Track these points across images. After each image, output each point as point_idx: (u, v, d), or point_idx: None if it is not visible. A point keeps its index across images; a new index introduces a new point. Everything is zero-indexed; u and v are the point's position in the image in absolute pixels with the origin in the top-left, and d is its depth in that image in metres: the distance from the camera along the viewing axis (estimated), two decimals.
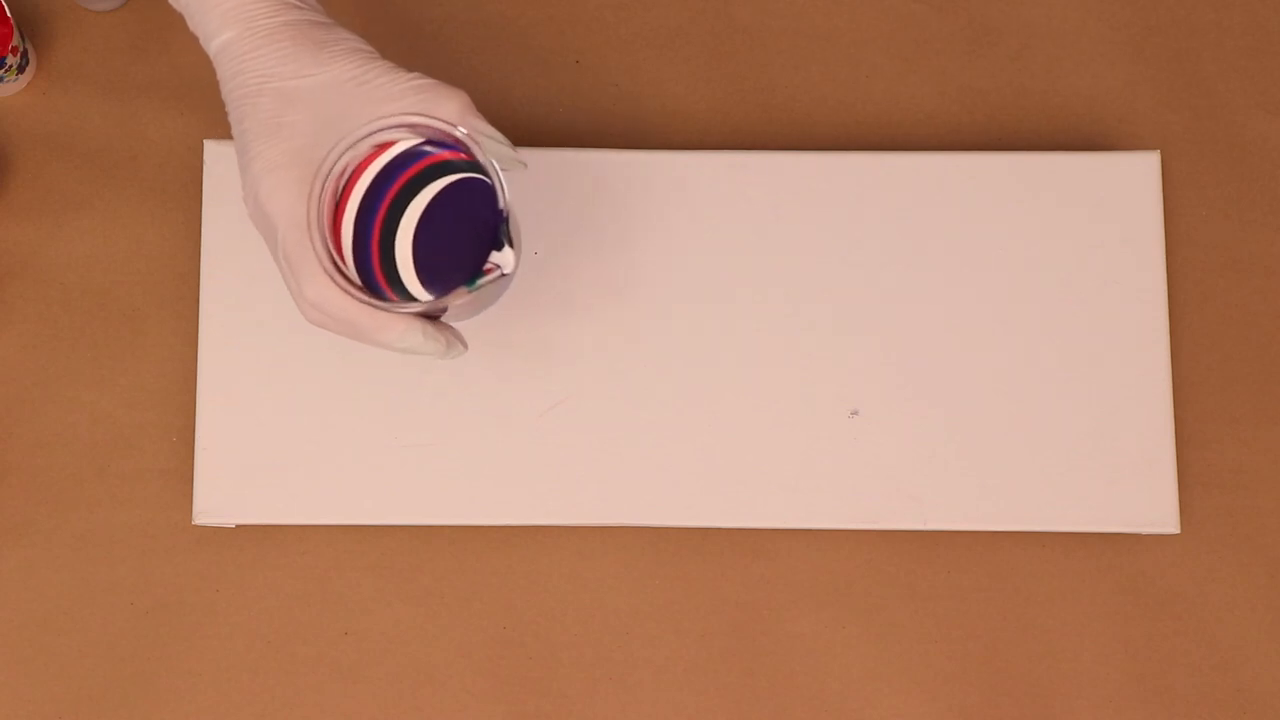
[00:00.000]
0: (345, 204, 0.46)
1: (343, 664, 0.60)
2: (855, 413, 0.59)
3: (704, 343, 0.59)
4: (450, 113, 0.46)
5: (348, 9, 0.64)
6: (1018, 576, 0.61)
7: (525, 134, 0.63)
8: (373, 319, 0.45)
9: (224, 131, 0.62)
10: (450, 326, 0.49)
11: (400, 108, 0.46)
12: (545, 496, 0.58)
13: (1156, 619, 0.61)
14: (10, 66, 0.60)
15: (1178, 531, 0.58)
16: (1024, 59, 0.64)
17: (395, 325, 0.46)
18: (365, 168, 0.46)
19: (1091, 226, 0.60)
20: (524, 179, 0.59)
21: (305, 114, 0.46)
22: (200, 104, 0.63)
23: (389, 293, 0.46)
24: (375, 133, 0.45)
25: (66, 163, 0.62)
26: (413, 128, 0.45)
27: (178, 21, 0.63)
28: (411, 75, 0.47)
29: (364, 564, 0.61)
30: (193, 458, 0.59)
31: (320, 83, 0.46)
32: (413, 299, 0.46)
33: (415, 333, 0.46)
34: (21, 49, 0.60)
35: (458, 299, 0.45)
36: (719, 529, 0.61)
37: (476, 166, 0.46)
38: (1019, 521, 0.58)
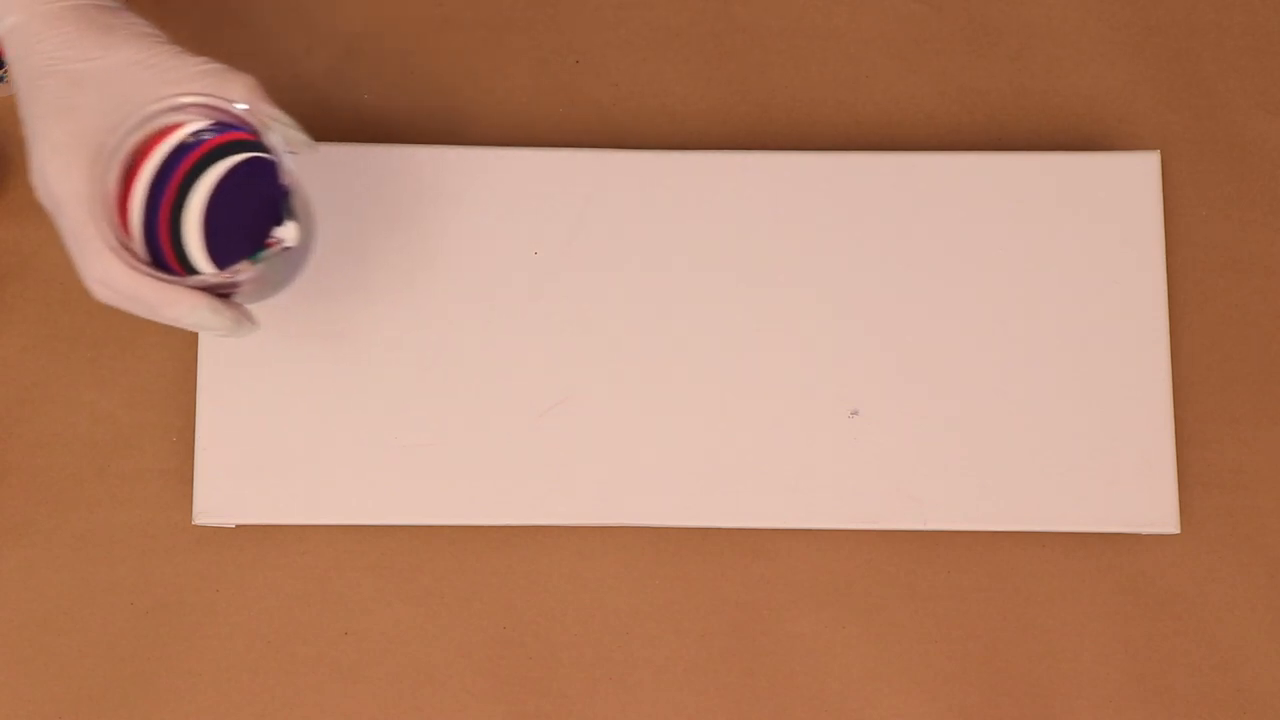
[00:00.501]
0: (133, 183, 0.48)
1: (343, 664, 0.60)
2: (855, 413, 0.59)
3: (704, 342, 0.59)
4: (238, 95, 0.47)
5: (348, 9, 0.64)
6: (1018, 576, 0.61)
7: (525, 134, 0.63)
8: (159, 294, 0.46)
9: None
10: (239, 305, 0.50)
11: (188, 90, 0.47)
12: (545, 496, 0.58)
13: (1156, 619, 0.61)
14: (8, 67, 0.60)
15: (1178, 531, 0.58)
16: (1024, 59, 0.64)
17: (182, 300, 0.47)
18: (154, 147, 0.48)
19: (1091, 226, 0.60)
20: (524, 178, 0.59)
21: (92, 96, 0.46)
22: None
23: (178, 269, 0.48)
24: (161, 112, 0.46)
25: None
26: (200, 108, 0.47)
27: (178, 21, 0.63)
28: (199, 59, 0.48)
29: (364, 564, 0.61)
30: (193, 458, 0.59)
31: (106, 66, 0.47)
32: (200, 274, 0.47)
33: (202, 308, 0.47)
34: None
35: (244, 273, 0.47)
36: (719, 529, 0.61)
37: (263, 146, 0.47)
38: (1019, 521, 0.58)
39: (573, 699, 0.60)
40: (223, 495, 0.58)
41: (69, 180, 0.46)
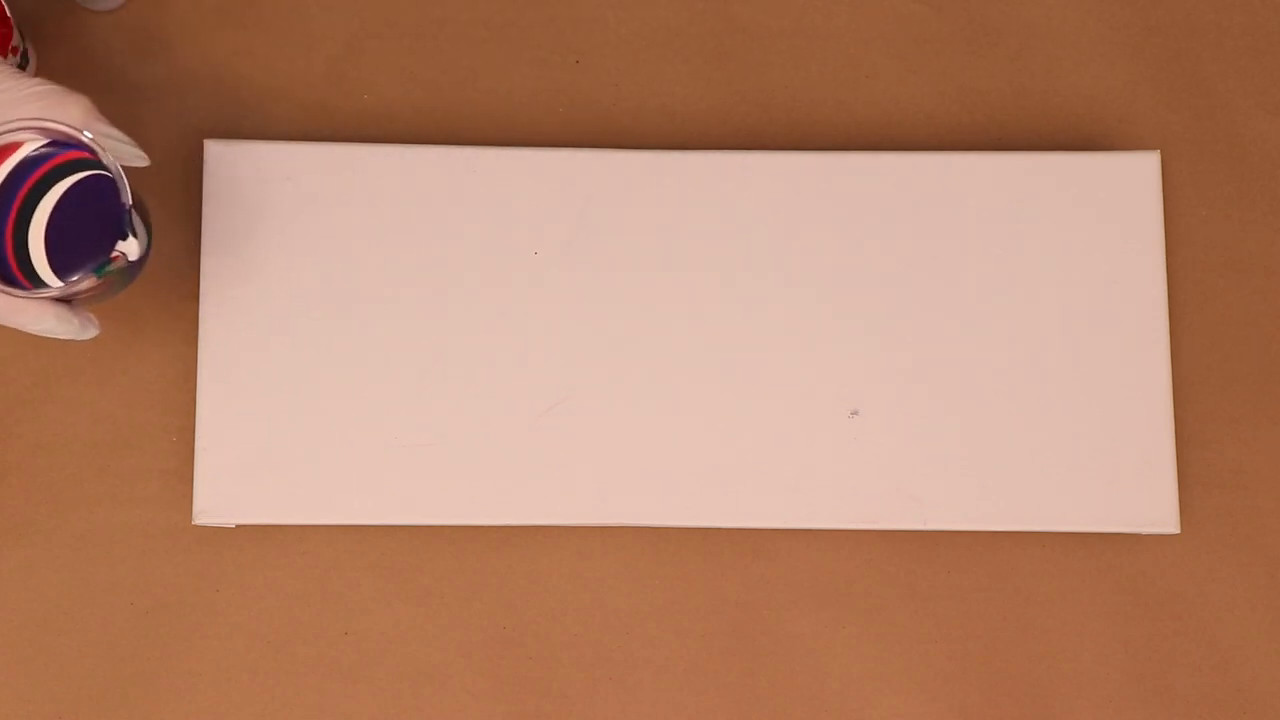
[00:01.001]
0: None
1: (343, 664, 0.60)
2: (855, 413, 0.59)
3: (704, 342, 0.59)
4: (74, 117, 0.49)
5: (347, 9, 0.64)
6: (1018, 576, 0.61)
7: (525, 134, 0.63)
8: (7, 304, 0.49)
9: (224, 131, 0.62)
10: (84, 311, 0.52)
11: (24, 113, 0.49)
12: (545, 496, 0.58)
13: (1156, 619, 0.61)
14: None
15: (1178, 531, 0.58)
16: (1024, 59, 0.64)
17: (29, 309, 0.50)
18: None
19: (1091, 226, 0.60)
20: (524, 178, 0.59)
21: None
22: (200, 104, 0.63)
23: (24, 282, 0.50)
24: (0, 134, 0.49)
25: None
26: (38, 130, 0.49)
27: (178, 21, 0.63)
28: (34, 81, 0.50)
29: (364, 564, 0.61)
30: (193, 458, 0.59)
31: None
32: (46, 286, 0.50)
33: (48, 317, 0.50)
34: (21, 49, 0.60)
35: (87, 285, 0.49)
36: (719, 529, 0.61)
37: (102, 164, 0.50)
38: (1019, 521, 0.58)
39: (573, 699, 0.60)
40: (223, 495, 0.58)
41: None
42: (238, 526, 0.60)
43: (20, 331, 0.61)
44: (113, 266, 0.49)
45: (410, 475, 0.58)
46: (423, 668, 0.60)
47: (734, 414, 0.58)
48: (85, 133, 0.49)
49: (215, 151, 0.59)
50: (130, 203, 0.49)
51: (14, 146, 0.50)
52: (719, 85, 0.64)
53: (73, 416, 0.61)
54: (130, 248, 0.50)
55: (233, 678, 0.60)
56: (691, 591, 0.61)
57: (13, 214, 0.50)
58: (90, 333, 0.52)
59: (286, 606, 0.60)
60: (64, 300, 0.51)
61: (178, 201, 0.62)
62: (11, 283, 0.50)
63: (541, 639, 0.60)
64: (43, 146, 0.50)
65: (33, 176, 0.51)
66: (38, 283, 0.50)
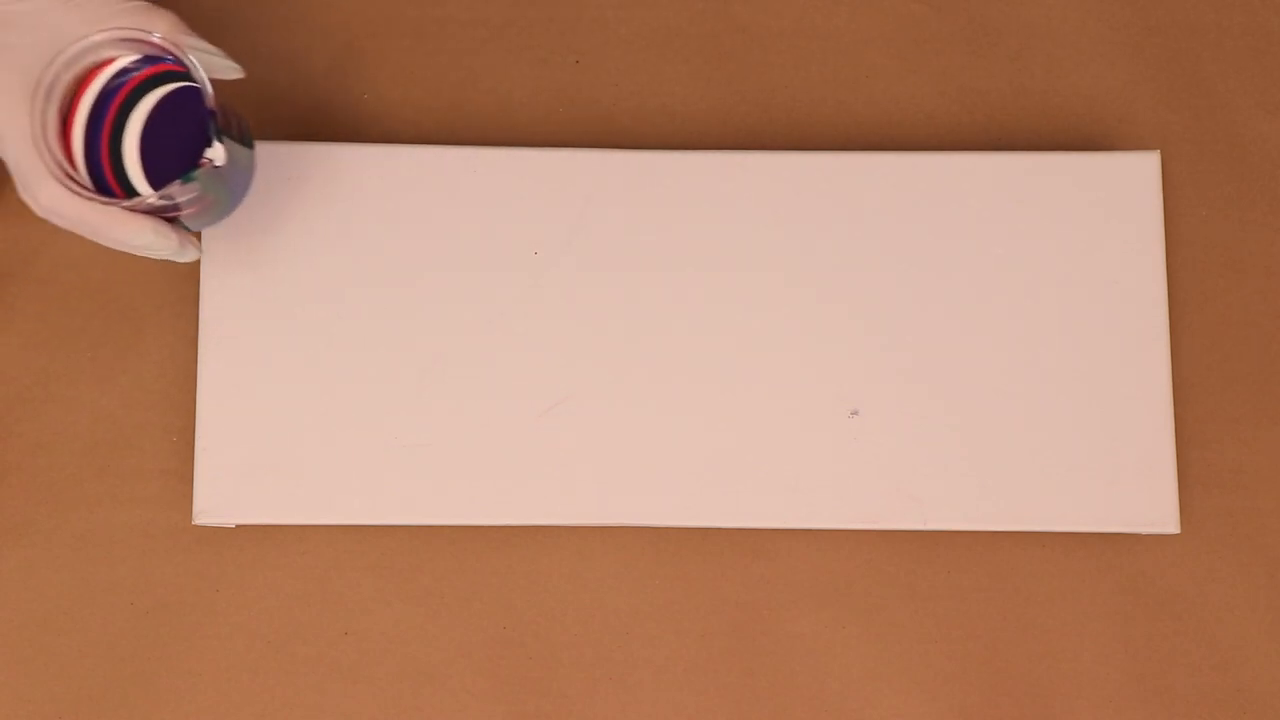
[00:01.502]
0: (74, 115, 0.51)
1: (343, 664, 0.60)
2: (855, 413, 0.59)
3: (704, 342, 0.59)
4: (162, 29, 0.50)
5: (348, 9, 0.64)
6: (1018, 576, 0.61)
7: (525, 134, 0.63)
8: (104, 217, 0.50)
9: None
10: (184, 229, 0.53)
11: (113, 25, 0.50)
12: (545, 496, 0.58)
13: (1156, 619, 0.61)
14: None
15: (1178, 531, 0.58)
16: (1024, 59, 0.64)
17: (127, 222, 0.50)
18: (90, 82, 0.51)
19: (1091, 226, 0.60)
20: (524, 178, 0.59)
21: (23, 36, 0.49)
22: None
23: (119, 193, 0.51)
24: (90, 48, 0.50)
25: None
26: (126, 43, 0.50)
27: None
28: None
29: (364, 564, 0.61)
30: (193, 458, 0.59)
31: (34, 7, 0.50)
32: (138, 196, 0.51)
33: (146, 231, 0.50)
34: None
35: (178, 193, 0.50)
36: (719, 529, 0.61)
37: (191, 76, 0.51)
38: (1019, 521, 0.58)
39: (573, 699, 0.60)
40: (223, 495, 0.58)
41: (7, 115, 0.49)
42: (238, 526, 0.60)
43: (21, 331, 0.61)
44: (199, 172, 0.50)
45: (410, 475, 0.58)
46: (423, 668, 0.60)
47: (734, 414, 0.58)
48: (172, 42, 0.50)
49: (215, 151, 0.59)
50: (213, 108, 0.50)
51: (106, 63, 0.51)
52: (719, 85, 0.64)
53: (73, 416, 0.61)
54: (216, 153, 0.50)
55: (233, 678, 0.60)
56: (691, 591, 0.61)
57: (107, 128, 0.51)
58: (190, 254, 0.53)
59: (286, 606, 0.60)
60: (167, 218, 0.52)
61: None
62: (109, 195, 0.50)
63: (541, 639, 0.60)
64: (133, 62, 0.51)
65: (124, 89, 0.51)
66: (134, 195, 0.51)
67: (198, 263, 0.60)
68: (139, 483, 0.61)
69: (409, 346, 0.59)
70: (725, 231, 0.59)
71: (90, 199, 0.49)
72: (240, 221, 0.59)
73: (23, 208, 0.62)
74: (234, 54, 0.63)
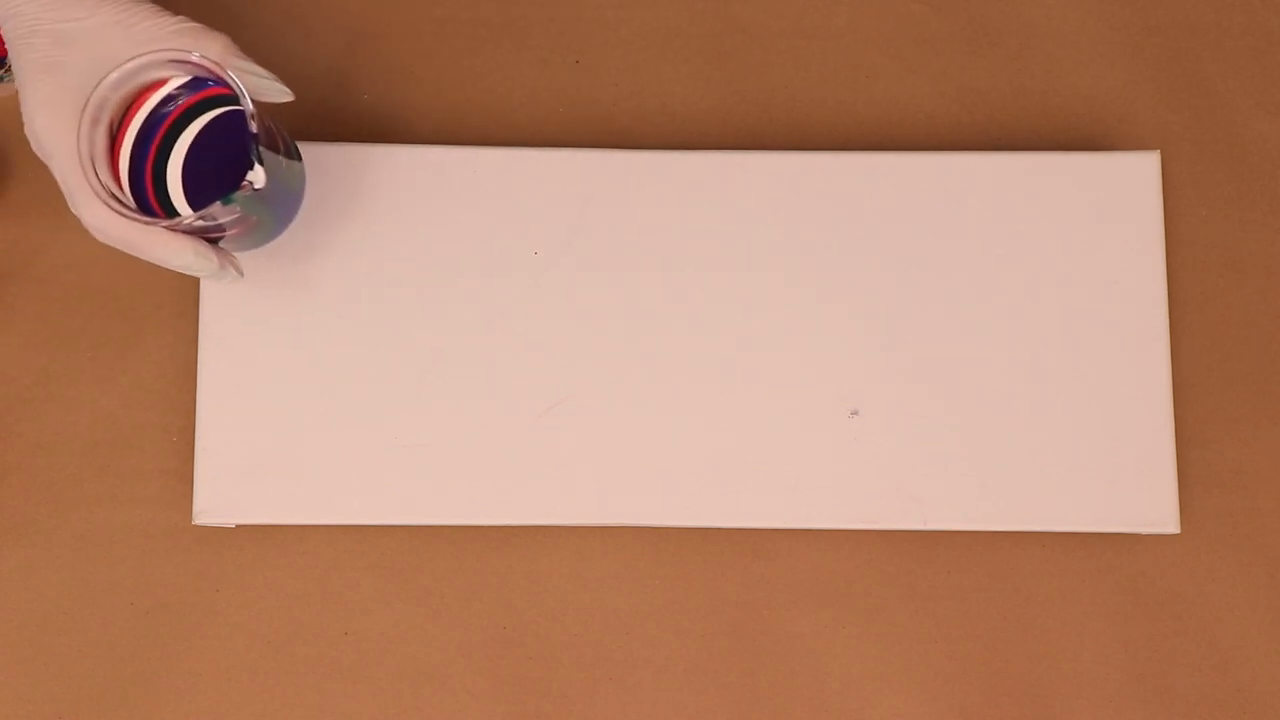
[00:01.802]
0: (123, 136, 0.52)
1: (343, 664, 0.60)
2: (855, 413, 0.59)
3: (703, 343, 0.59)
4: (214, 51, 0.51)
5: (348, 9, 0.64)
6: (1018, 576, 0.61)
7: (525, 134, 0.63)
8: (146, 236, 0.50)
9: None
10: (225, 251, 0.54)
11: (164, 47, 0.50)
12: (545, 496, 0.58)
13: (1156, 619, 0.61)
14: (10, 66, 0.60)
15: (1178, 531, 0.58)
16: (1024, 59, 0.64)
17: (168, 242, 0.51)
18: (141, 104, 0.52)
19: (1091, 226, 0.60)
20: (524, 178, 0.59)
21: (77, 54, 0.50)
22: None
23: (160, 214, 0.52)
24: (140, 68, 0.50)
25: None
26: (173, 63, 0.50)
27: None
28: (177, 19, 0.51)
29: (364, 564, 0.61)
30: (193, 458, 0.59)
31: (88, 26, 0.50)
32: (179, 216, 0.51)
33: (187, 252, 0.51)
34: None
35: (219, 214, 0.50)
36: (719, 529, 0.61)
37: (236, 99, 0.51)
38: (1019, 521, 0.58)
39: (573, 699, 0.60)
40: (223, 495, 0.58)
41: (56, 133, 0.50)
42: (238, 526, 0.60)
43: (21, 331, 0.61)
44: (239, 194, 0.50)
45: (410, 475, 0.58)
46: (423, 668, 0.60)
47: (734, 414, 0.58)
48: (220, 66, 0.50)
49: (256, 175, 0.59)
50: (256, 131, 0.50)
51: (159, 84, 0.52)
52: (719, 85, 0.64)
53: (73, 416, 0.61)
54: (257, 176, 0.50)
55: (233, 678, 0.60)
56: (691, 591, 0.61)
57: (153, 149, 0.52)
58: (230, 276, 0.54)
59: (286, 606, 0.60)
60: (210, 239, 0.52)
61: None
62: (150, 215, 0.51)
63: (541, 639, 0.60)
64: (184, 84, 0.52)
65: (174, 112, 0.52)
66: (174, 215, 0.51)
67: None
68: (139, 483, 0.61)
69: (409, 346, 0.59)
70: (725, 231, 0.59)
71: (133, 219, 0.49)
72: None
73: (23, 208, 0.62)
74: None
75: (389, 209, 0.59)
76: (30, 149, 0.62)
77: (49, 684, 0.60)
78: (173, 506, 0.61)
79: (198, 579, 0.60)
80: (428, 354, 0.59)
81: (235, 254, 0.55)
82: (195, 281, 0.61)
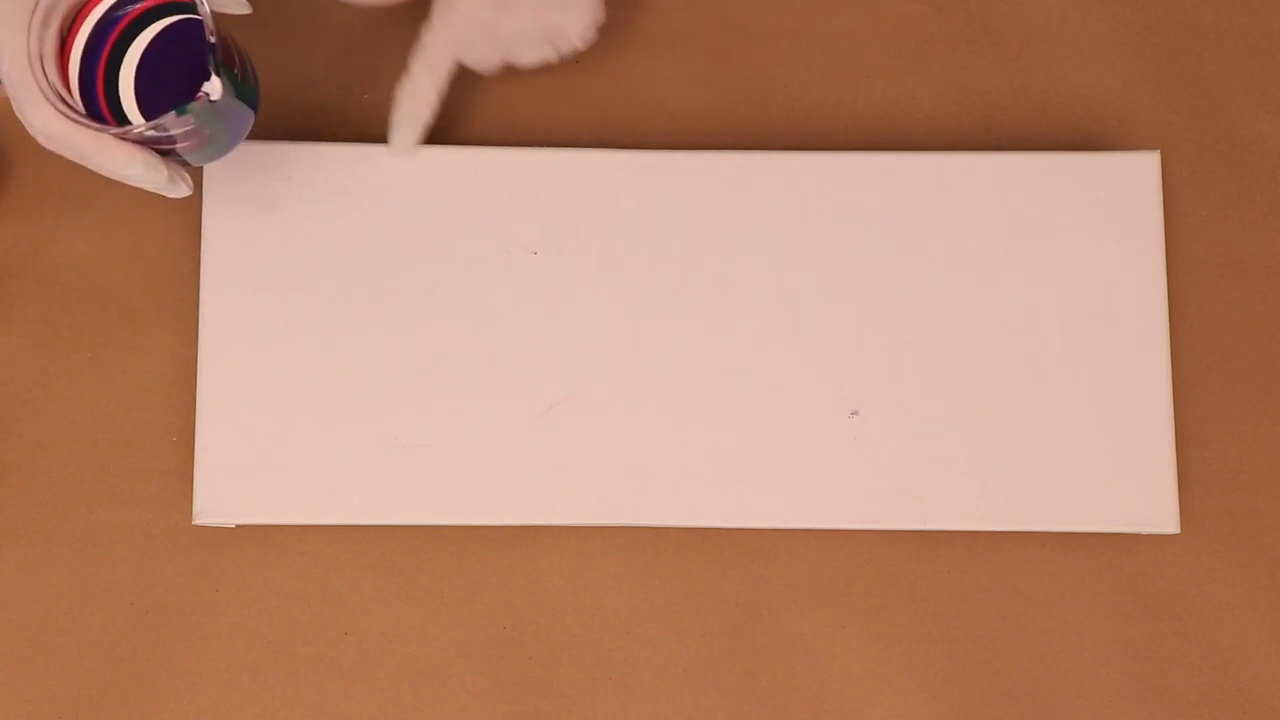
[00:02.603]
0: (73, 39, 0.50)
1: (343, 664, 0.60)
2: (855, 412, 0.59)
3: (704, 343, 0.59)
4: None
5: (348, 9, 0.64)
6: (1018, 576, 0.61)
7: (525, 134, 0.63)
8: (94, 143, 0.49)
9: None
10: (178, 164, 0.52)
11: None
12: (545, 496, 0.58)
13: (1156, 619, 0.61)
14: None
15: (1178, 531, 0.58)
16: (1024, 59, 0.64)
17: (116, 150, 0.49)
18: (93, 7, 0.50)
19: (1091, 226, 0.60)
20: (524, 179, 0.59)
21: None
22: None
23: (112, 122, 0.50)
24: None
25: (66, 163, 0.62)
26: None
27: None
28: None
29: (364, 564, 0.61)
30: (193, 458, 0.59)
31: None
32: (132, 125, 0.49)
33: (137, 162, 0.50)
34: None
35: (172, 125, 0.49)
36: (719, 529, 0.61)
37: (193, 8, 0.50)
38: (1019, 521, 0.58)
39: (573, 699, 0.60)
40: (223, 495, 0.58)
41: (5, 31, 0.48)
42: (238, 526, 0.60)
43: (21, 331, 0.61)
44: (193, 105, 0.48)
45: (410, 475, 0.58)
46: (423, 668, 0.60)
47: (734, 414, 0.58)
48: None
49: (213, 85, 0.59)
50: (214, 41, 0.48)
51: None
52: (719, 85, 0.64)
53: (73, 416, 0.61)
54: (213, 87, 0.48)
55: (233, 678, 0.60)
56: (691, 591, 0.61)
57: (104, 55, 0.50)
58: (180, 190, 0.52)
59: (286, 606, 0.60)
60: (160, 151, 0.51)
61: (178, 201, 0.62)
62: (102, 123, 0.50)
63: (541, 639, 0.60)
64: None
65: (126, 17, 0.51)
66: (125, 123, 0.50)
67: (198, 261, 0.60)
68: (139, 483, 0.61)
69: (408, 346, 0.59)
70: (725, 232, 0.59)
71: (82, 124, 0.48)
72: (240, 221, 0.59)
73: (23, 208, 0.62)
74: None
75: (389, 209, 0.59)
76: (30, 149, 0.63)
77: (49, 684, 0.60)
78: (173, 506, 0.61)
79: (198, 579, 0.60)
80: (427, 354, 0.59)
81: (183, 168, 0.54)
82: (195, 281, 0.61)
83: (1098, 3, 0.65)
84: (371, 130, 0.63)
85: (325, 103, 0.63)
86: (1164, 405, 0.59)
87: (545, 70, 0.64)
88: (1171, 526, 0.58)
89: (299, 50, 0.63)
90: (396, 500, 0.58)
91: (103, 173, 0.50)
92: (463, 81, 0.64)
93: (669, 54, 0.64)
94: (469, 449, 0.58)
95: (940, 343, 0.59)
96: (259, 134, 0.62)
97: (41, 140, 0.49)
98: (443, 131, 0.63)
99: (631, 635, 0.60)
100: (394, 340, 0.59)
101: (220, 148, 0.54)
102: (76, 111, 0.49)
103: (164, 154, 0.51)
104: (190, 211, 0.62)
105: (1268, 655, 0.61)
